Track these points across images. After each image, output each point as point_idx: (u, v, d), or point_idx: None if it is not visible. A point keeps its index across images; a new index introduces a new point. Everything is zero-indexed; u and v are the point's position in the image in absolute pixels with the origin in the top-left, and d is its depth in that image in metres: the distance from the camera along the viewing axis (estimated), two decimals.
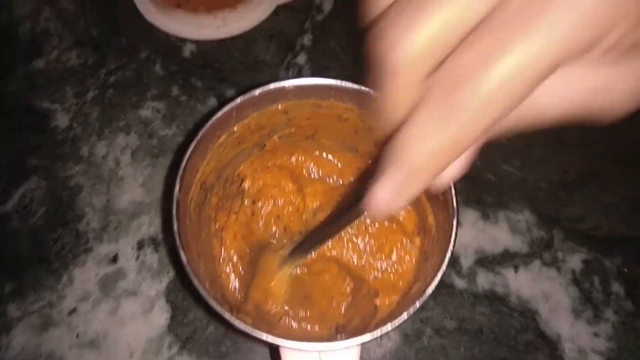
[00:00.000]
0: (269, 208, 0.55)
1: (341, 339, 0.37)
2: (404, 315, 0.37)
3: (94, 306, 0.62)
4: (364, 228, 0.54)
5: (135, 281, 0.64)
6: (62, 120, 0.74)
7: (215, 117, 0.45)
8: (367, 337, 0.37)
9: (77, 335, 0.61)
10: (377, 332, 0.37)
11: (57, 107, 0.75)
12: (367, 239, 0.53)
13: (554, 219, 0.66)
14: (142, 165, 0.70)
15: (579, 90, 0.19)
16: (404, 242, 0.52)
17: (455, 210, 0.41)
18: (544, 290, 0.62)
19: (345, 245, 0.54)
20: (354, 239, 0.53)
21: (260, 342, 0.59)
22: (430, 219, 0.49)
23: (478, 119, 0.17)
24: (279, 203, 0.55)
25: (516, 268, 0.63)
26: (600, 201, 0.67)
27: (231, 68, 0.78)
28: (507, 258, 0.64)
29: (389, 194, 0.21)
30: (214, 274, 0.50)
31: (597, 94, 0.19)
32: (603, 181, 0.68)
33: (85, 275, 0.64)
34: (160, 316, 0.62)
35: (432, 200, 0.48)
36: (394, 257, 0.52)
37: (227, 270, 0.53)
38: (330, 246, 0.53)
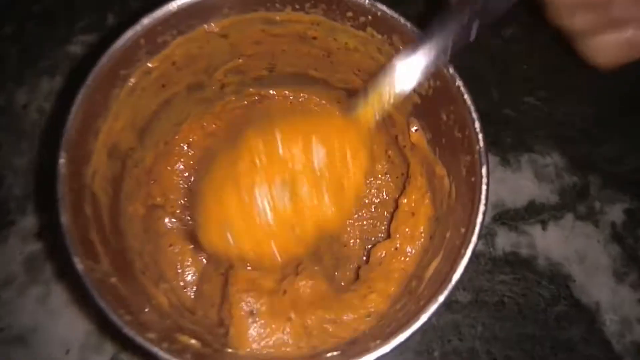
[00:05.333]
0: None
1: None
2: (423, 318, 0.27)
3: (20, 293, 0.53)
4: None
5: (68, 261, 0.53)
6: None
7: (111, 50, 0.32)
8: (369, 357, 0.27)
9: (1, 330, 0.52)
10: (385, 347, 0.27)
11: None
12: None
13: (589, 161, 0.60)
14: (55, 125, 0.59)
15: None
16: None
17: (483, 151, 0.30)
18: (578, 249, 0.56)
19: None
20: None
21: None
22: (439, 169, 0.38)
23: None
24: None
25: (544, 224, 0.57)
26: None
27: None
28: (532, 212, 0.57)
29: None
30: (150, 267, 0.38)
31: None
32: None
33: (7, 256, 0.55)
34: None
35: (440, 138, 0.37)
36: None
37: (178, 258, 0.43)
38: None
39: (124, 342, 0.51)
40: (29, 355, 0.51)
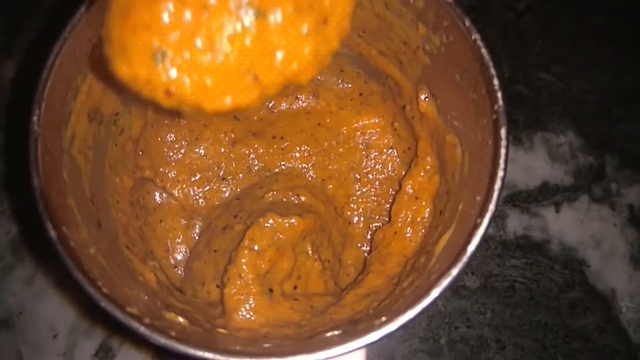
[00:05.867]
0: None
1: (330, 342, 0.25)
2: (434, 293, 0.25)
3: (5, 274, 0.52)
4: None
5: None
6: None
7: None
8: (372, 336, 0.25)
9: None
10: (391, 326, 0.25)
11: None
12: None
13: (606, 140, 0.58)
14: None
15: None
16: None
17: (502, 111, 0.28)
18: (593, 233, 0.54)
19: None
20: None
21: None
22: (450, 137, 0.35)
23: None
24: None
25: (558, 206, 0.55)
26: None
27: None
28: (545, 194, 0.56)
29: None
30: (137, 244, 0.37)
31: None
32: None
33: None
34: None
35: (452, 103, 0.34)
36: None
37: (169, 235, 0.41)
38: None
39: (115, 327, 0.50)
40: (14, 339, 0.50)
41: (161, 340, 0.24)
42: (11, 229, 0.53)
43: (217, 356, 0.24)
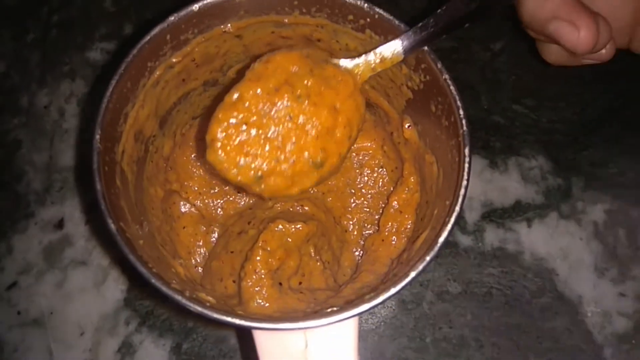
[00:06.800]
0: None
1: (332, 313, 0.29)
2: (412, 274, 0.30)
3: (38, 279, 0.55)
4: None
5: (85, 249, 0.56)
6: None
7: (142, 42, 0.35)
8: (364, 306, 0.30)
9: (19, 313, 0.54)
10: (379, 299, 0.30)
11: None
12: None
13: (573, 164, 0.60)
14: (90, 116, 0.61)
15: None
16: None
17: (466, 135, 0.33)
18: (562, 246, 0.57)
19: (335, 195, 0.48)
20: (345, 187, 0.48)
21: None
22: (428, 157, 0.41)
23: None
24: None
25: (529, 222, 0.58)
26: (625, 142, 0.61)
27: None
28: (519, 211, 0.58)
29: None
30: (167, 244, 0.41)
31: None
32: (627, 120, 0.62)
33: (27, 244, 0.56)
34: (115, 288, 0.54)
35: (430, 128, 0.39)
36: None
37: (191, 240, 0.46)
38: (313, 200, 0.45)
39: (137, 326, 0.53)
40: (45, 337, 0.53)
41: (198, 308, 0.29)
42: (43, 239, 0.56)
43: (244, 322, 0.29)
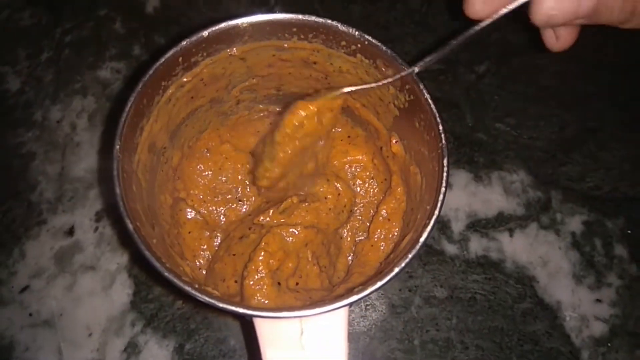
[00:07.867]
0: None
1: (324, 303, 0.32)
2: (395, 270, 0.33)
3: (49, 283, 0.57)
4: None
5: (94, 255, 0.58)
6: (13, 83, 0.68)
7: (158, 64, 0.39)
8: (353, 298, 0.33)
9: (30, 315, 0.56)
10: (366, 291, 0.32)
11: (8, 69, 0.69)
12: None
13: (552, 179, 0.63)
14: (99, 130, 0.65)
15: None
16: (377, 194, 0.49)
17: (445, 147, 0.36)
18: (542, 255, 0.59)
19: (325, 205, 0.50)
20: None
21: (233, 317, 0.55)
22: (413, 168, 0.44)
23: None
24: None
25: (511, 232, 0.60)
26: (600, 159, 0.64)
27: (199, 24, 0.71)
28: (501, 221, 0.61)
29: None
30: (175, 246, 0.45)
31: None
32: (603, 138, 0.65)
33: (39, 250, 0.59)
34: (122, 292, 0.57)
35: (414, 143, 0.43)
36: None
37: (195, 244, 0.48)
38: (306, 211, 0.48)
39: (142, 327, 0.55)
40: (55, 337, 0.54)
41: (207, 298, 0.32)
42: (55, 245, 0.58)
43: (247, 310, 0.32)
